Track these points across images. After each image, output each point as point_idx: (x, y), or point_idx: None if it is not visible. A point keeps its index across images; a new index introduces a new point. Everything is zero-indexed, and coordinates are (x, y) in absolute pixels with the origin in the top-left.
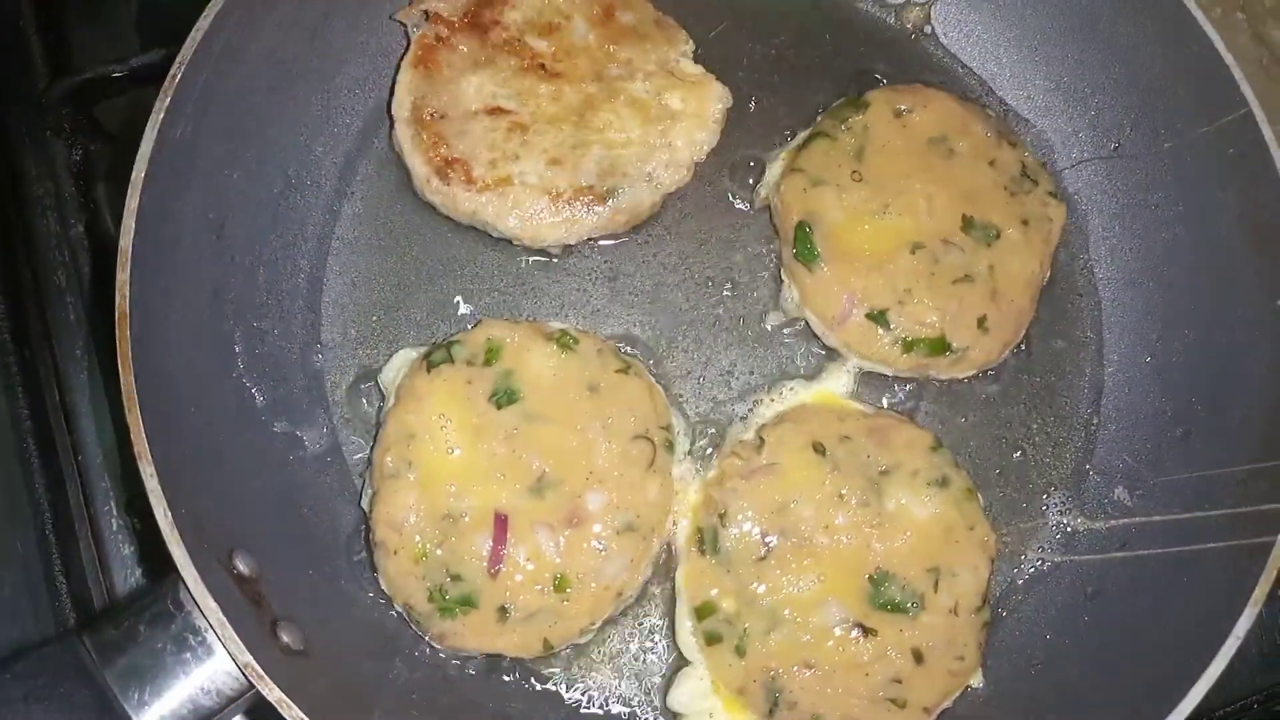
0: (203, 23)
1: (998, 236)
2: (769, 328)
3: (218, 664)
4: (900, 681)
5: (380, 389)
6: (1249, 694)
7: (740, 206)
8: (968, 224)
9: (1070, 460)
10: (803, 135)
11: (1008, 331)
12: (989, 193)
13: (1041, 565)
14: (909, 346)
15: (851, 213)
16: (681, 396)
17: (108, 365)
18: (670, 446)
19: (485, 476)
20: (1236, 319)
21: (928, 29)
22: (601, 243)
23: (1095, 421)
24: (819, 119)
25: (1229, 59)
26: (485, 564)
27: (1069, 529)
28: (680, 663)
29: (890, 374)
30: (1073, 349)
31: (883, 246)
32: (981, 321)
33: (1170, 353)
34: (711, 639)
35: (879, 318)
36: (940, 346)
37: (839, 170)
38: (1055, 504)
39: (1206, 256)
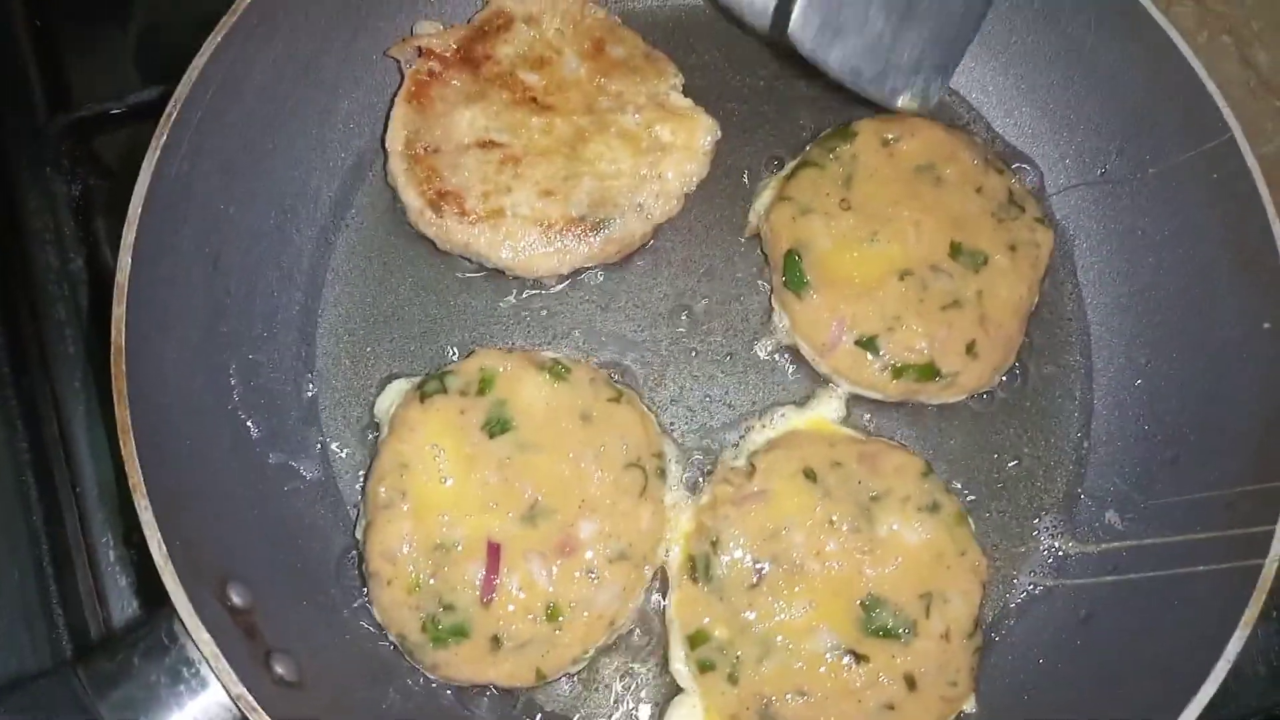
0: (199, 60)
1: (985, 262)
2: (760, 355)
3: (211, 696)
4: (893, 708)
5: (374, 419)
6: (1254, 713)
7: (730, 236)
8: (956, 250)
9: (1061, 484)
10: (791, 165)
11: (997, 356)
12: (976, 219)
13: (1034, 589)
14: (898, 372)
15: (840, 240)
16: (673, 424)
17: (106, 397)
18: (662, 474)
19: (478, 506)
20: (1224, 342)
21: None
22: (594, 272)
23: (1086, 445)
24: (807, 148)
25: (1211, 86)
26: (478, 593)
27: (1061, 553)
28: (674, 690)
29: (881, 399)
30: (1062, 373)
31: (871, 273)
32: (970, 347)
33: (1159, 376)
34: (704, 667)
35: (868, 344)
36: (929, 372)
37: (827, 199)
38: (1047, 528)
39: (1193, 280)
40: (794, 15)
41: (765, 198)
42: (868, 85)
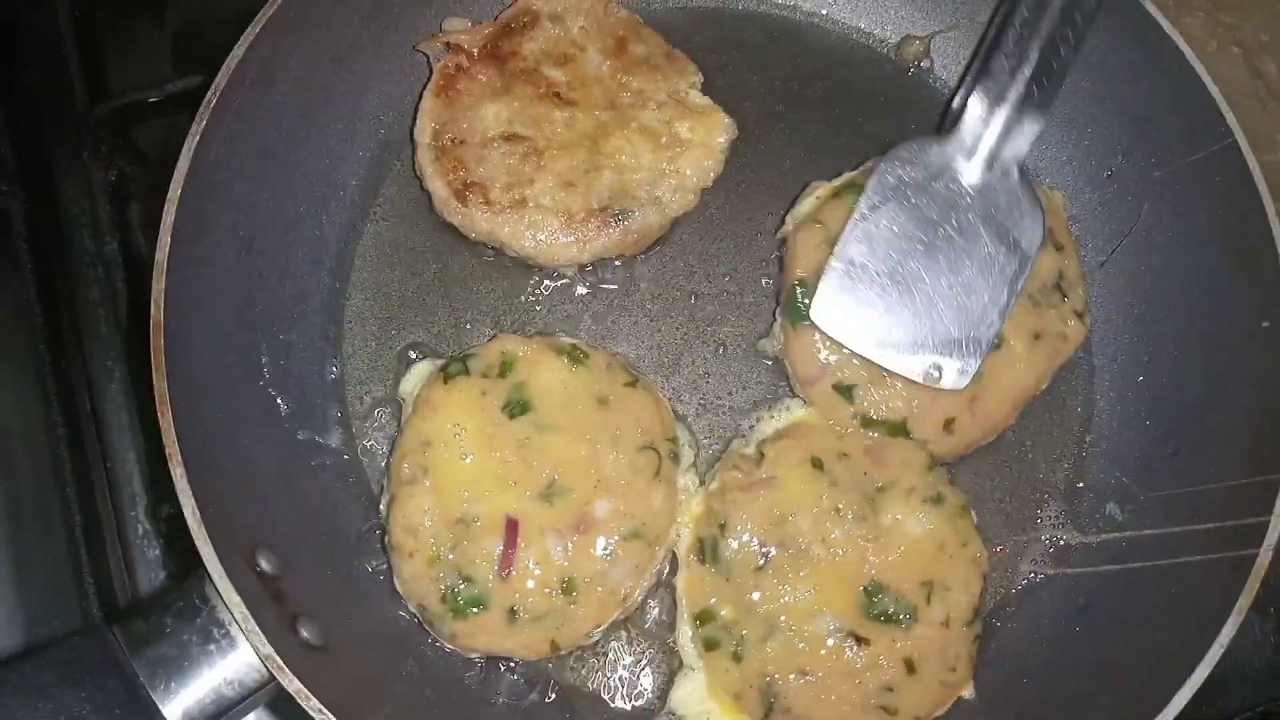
0: (237, 50)
1: (999, 347)
2: (768, 349)
3: (240, 656)
4: (892, 690)
5: (399, 399)
6: (1251, 707)
7: (744, 231)
8: None
9: (1064, 476)
10: (848, 176)
11: (974, 435)
12: None
13: (1034, 578)
14: (868, 423)
15: None
16: (686, 411)
17: (138, 376)
18: (675, 458)
19: (497, 483)
20: (1224, 339)
21: (925, 63)
22: (612, 262)
23: (1088, 439)
24: (866, 166)
25: (1215, 90)
26: (496, 567)
27: (1062, 543)
28: (681, 666)
29: None
30: (1066, 369)
31: None
32: (949, 424)
33: (1160, 373)
34: (710, 645)
35: (844, 391)
36: (899, 431)
37: None
38: (1049, 518)
39: (1195, 279)
40: (813, 306)
41: (806, 206)
42: (892, 367)
